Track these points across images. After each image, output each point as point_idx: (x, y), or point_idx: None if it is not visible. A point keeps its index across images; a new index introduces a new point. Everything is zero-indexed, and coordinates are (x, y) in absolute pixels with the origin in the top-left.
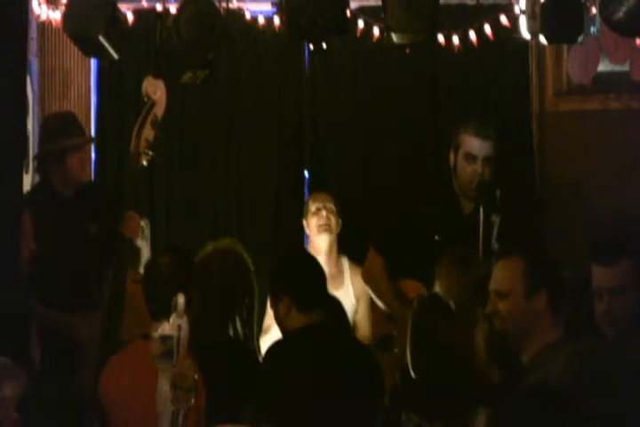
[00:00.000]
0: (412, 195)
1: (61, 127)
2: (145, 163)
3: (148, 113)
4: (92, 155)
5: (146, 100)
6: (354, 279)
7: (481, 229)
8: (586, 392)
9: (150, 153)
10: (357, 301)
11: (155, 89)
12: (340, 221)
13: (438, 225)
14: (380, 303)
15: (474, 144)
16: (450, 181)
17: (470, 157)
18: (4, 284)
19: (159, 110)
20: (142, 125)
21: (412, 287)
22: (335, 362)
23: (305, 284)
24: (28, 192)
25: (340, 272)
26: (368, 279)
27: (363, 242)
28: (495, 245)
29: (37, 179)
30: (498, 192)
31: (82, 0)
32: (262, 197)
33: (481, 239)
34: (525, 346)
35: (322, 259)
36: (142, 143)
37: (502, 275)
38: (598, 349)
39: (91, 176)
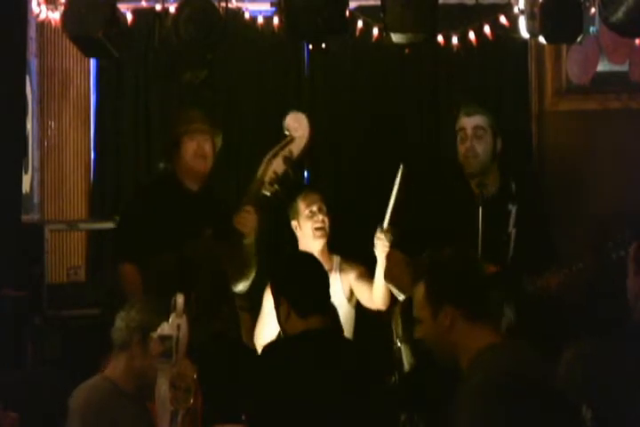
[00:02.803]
0: (416, 193)
1: (182, 116)
2: (268, 193)
3: (283, 147)
4: (210, 148)
5: (286, 133)
6: (343, 278)
7: (480, 230)
8: (589, 393)
9: (276, 187)
10: (348, 301)
11: (297, 126)
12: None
13: (457, 216)
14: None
15: (464, 123)
16: (461, 174)
17: (464, 136)
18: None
19: (296, 148)
20: (274, 156)
21: None
22: (332, 366)
23: (304, 289)
24: (155, 181)
25: (329, 271)
26: (390, 278)
27: (362, 242)
28: (513, 230)
29: (162, 168)
30: (513, 184)
31: (81, 0)
32: None
33: (480, 239)
34: (459, 357)
35: None
36: (269, 174)
37: (414, 303)
38: (601, 349)
39: (208, 169)
